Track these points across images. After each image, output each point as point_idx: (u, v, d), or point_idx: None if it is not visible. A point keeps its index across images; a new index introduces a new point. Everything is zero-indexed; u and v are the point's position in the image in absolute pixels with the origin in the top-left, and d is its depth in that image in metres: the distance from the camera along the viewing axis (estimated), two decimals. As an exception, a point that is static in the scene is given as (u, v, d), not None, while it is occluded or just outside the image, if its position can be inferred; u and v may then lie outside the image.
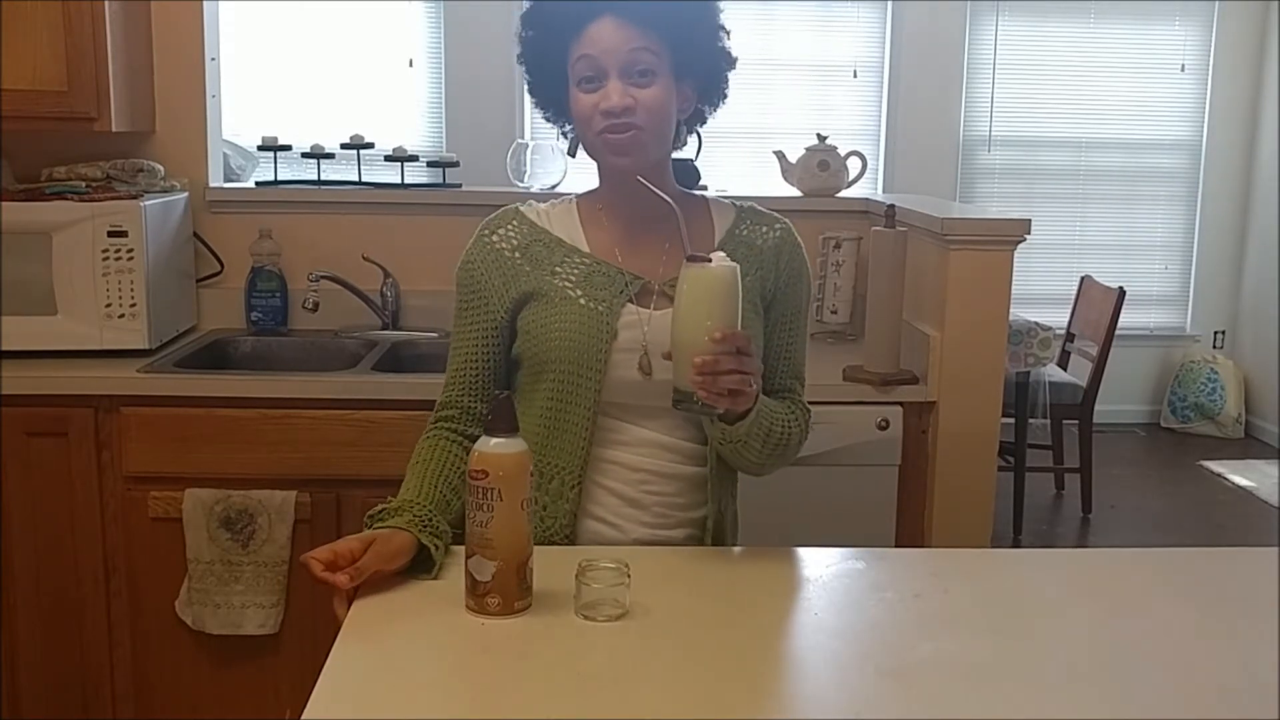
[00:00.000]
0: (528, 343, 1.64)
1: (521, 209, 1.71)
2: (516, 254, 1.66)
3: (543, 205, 1.72)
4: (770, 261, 1.69)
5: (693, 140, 1.71)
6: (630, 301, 1.62)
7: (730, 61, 1.67)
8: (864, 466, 2.57)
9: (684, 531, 1.67)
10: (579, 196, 1.73)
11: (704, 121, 1.70)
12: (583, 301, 1.62)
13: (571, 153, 1.68)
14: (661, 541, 1.65)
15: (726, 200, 1.75)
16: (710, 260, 1.46)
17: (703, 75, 1.65)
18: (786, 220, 1.74)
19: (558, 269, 1.64)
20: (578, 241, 1.67)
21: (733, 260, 1.65)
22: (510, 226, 1.68)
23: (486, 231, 1.69)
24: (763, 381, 1.67)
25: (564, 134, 1.70)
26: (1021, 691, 1.26)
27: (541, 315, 1.63)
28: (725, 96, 1.69)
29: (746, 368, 1.46)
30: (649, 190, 1.56)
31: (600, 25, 1.55)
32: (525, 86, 1.71)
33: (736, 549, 1.68)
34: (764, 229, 1.71)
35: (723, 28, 1.65)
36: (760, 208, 1.75)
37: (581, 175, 3.27)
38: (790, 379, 1.72)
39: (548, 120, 1.71)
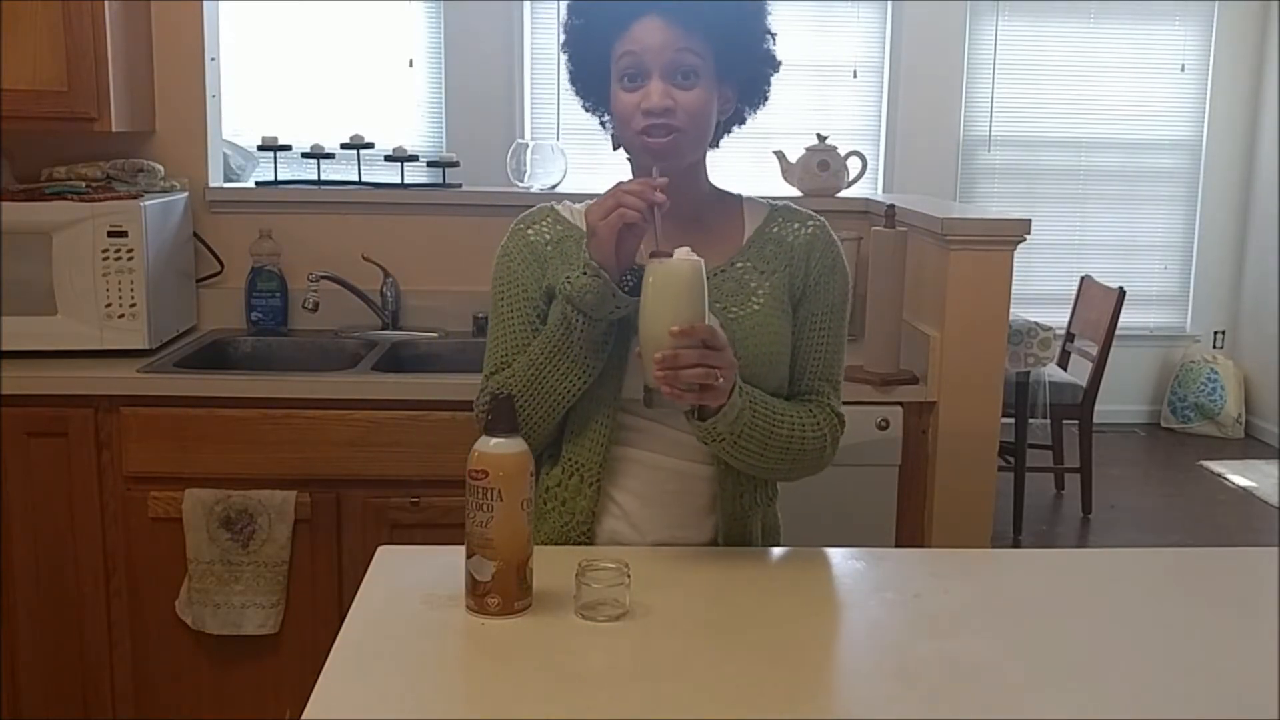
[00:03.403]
0: None
1: (556, 207, 1.72)
2: (549, 248, 1.67)
3: (576, 205, 1.72)
4: (800, 259, 1.68)
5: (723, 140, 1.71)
6: None
7: (774, 65, 1.66)
8: (864, 466, 2.57)
9: (706, 534, 1.66)
10: None
11: (743, 122, 1.70)
12: None
13: (614, 147, 1.68)
14: (681, 543, 1.65)
15: (762, 200, 1.75)
16: (672, 255, 1.45)
17: (745, 78, 1.65)
18: (822, 219, 1.73)
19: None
20: None
21: (761, 257, 1.65)
22: (545, 223, 1.69)
23: (522, 226, 1.70)
24: (785, 380, 1.66)
25: (602, 124, 1.71)
26: (1021, 691, 1.26)
27: (556, 310, 1.61)
28: (766, 99, 1.69)
29: (712, 361, 1.45)
30: (678, 188, 1.55)
31: (646, 24, 1.55)
32: (568, 75, 1.70)
33: (736, 549, 1.67)
34: (796, 226, 1.70)
35: (769, 31, 1.65)
36: (795, 206, 1.74)
37: (582, 175, 3.29)
38: (818, 380, 1.68)
39: (586, 110, 1.71)
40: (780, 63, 1.67)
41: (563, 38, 1.68)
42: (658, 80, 1.55)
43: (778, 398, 1.63)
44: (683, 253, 1.46)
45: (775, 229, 1.70)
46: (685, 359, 1.43)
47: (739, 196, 1.74)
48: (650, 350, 1.45)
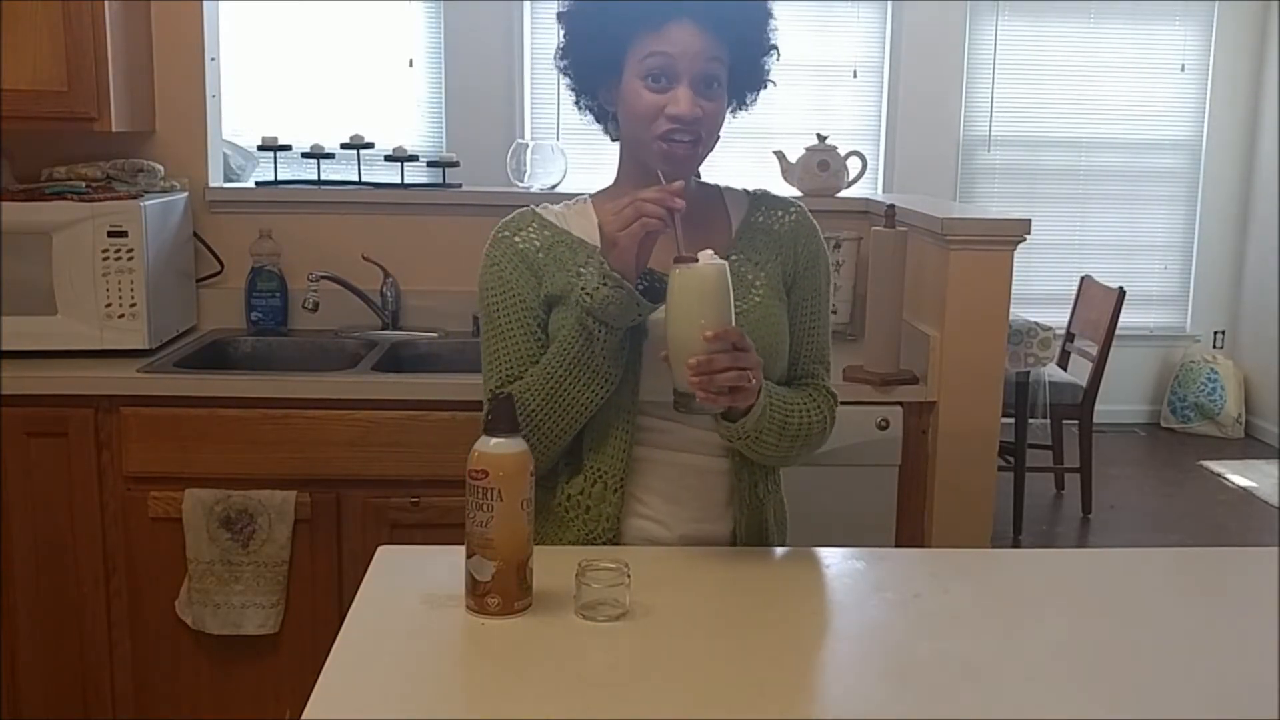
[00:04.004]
0: None
1: (537, 210, 1.69)
2: (540, 254, 1.64)
3: (557, 207, 1.70)
4: (789, 246, 1.69)
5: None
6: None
7: (766, 81, 1.67)
8: (864, 466, 2.57)
9: (728, 525, 1.67)
10: (593, 196, 1.72)
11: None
12: None
13: (613, 137, 1.67)
14: (707, 535, 1.65)
15: (738, 189, 1.75)
16: (696, 259, 1.45)
17: (743, 89, 1.66)
18: (800, 203, 1.74)
19: (582, 270, 1.61)
20: (597, 242, 1.65)
21: (752, 249, 1.66)
22: (531, 229, 1.66)
23: (507, 234, 1.66)
24: (786, 368, 1.67)
25: (577, 105, 1.68)
26: (1022, 691, 1.26)
27: (572, 320, 1.59)
28: (748, 108, 1.70)
29: (743, 363, 1.45)
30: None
31: (682, 27, 1.54)
32: (558, 48, 1.65)
33: (736, 549, 1.67)
34: (779, 214, 1.71)
35: (775, 47, 1.65)
36: (772, 193, 1.75)
37: (582, 175, 3.29)
38: (814, 364, 1.71)
39: (572, 89, 1.67)
40: (769, 73, 1.67)
41: (565, 9, 1.63)
42: (686, 88, 1.54)
43: (782, 385, 1.65)
44: (707, 256, 1.45)
45: (760, 218, 1.70)
46: (719, 363, 1.43)
47: (716, 187, 1.74)
48: (681, 356, 1.45)
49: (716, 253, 1.48)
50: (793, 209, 1.72)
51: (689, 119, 1.54)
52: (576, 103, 1.69)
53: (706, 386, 1.44)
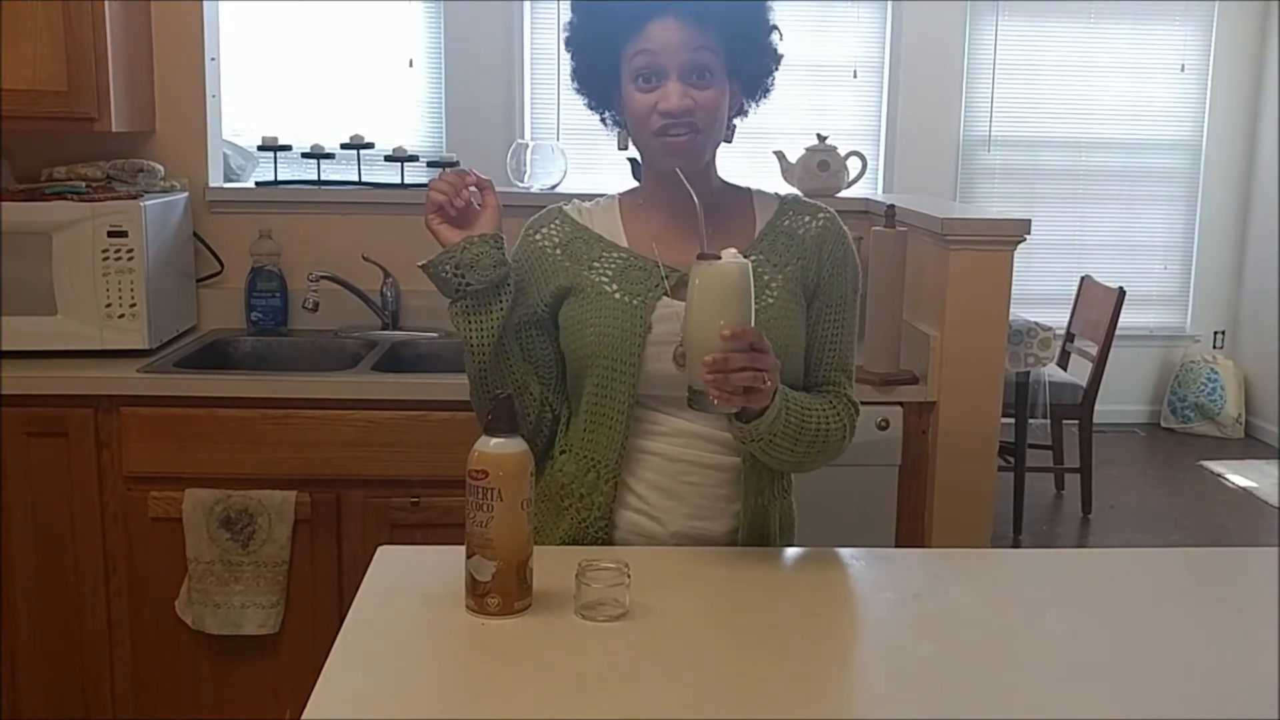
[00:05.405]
0: (567, 339, 1.66)
1: (565, 208, 1.73)
2: (557, 250, 1.68)
3: (586, 204, 1.74)
4: (812, 251, 1.68)
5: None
6: (666, 295, 1.62)
7: (778, 60, 1.67)
8: (864, 466, 2.57)
9: (727, 524, 1.66)
10: (622, 194, 1.75)
11: (746, 115, 1.71)
12: (618, 296, 1.63)
13: (621, 145, 1.69)
14: (702, 534, 1.65)
15: (770, 193, 1.75)
16: (720, 257, 1.45)
17: (753, 74, 1.66)
18: (831, 210, 1.73)
19: (595, 264, 1.65)
20: (616, 237, 1.68)
21: (773, 250, 1.66)
22: (553, 225, 1.70)
23: (530, 231, 1.72)
24: (805, 374, 1.68)
25: (603, 120, 1.71)
26: (1021, 691, 1.27)
27: (578, 311, 1.64)
28: (769, 93, 1.70)
29: (760, 364, 1.44)
30: (694, 186, 1.56)
31: (662, 24, 1.56)
32: (570, 72, 1.69)
33: (736, 550, 1.67)
34: (806, 219, 1.70)
35: (774, 27, 1.66)
36: (805, 198, 1.75)
37: (582, 175, 3.28)
38: (835, 372, 1.70)
39: (589, 108, 1.71)
40: (782, 56, 1.68)
41: (566, 35, 1.67)
42: (675, 81, 1.56)
43: (797, 390, 1.64)
44: (729, 254, 1.45)
45: (786, 222, 1.70)
46: (735, 362, 1.43)
47: (748, 190, 1.75)
48: (697, 353, 1.44)
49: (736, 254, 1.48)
50: (821, 215, 1.72)
51: (679, 112, 1.55)
52: (603, 120, 1.71)
53: (721, 385, 1.43)
